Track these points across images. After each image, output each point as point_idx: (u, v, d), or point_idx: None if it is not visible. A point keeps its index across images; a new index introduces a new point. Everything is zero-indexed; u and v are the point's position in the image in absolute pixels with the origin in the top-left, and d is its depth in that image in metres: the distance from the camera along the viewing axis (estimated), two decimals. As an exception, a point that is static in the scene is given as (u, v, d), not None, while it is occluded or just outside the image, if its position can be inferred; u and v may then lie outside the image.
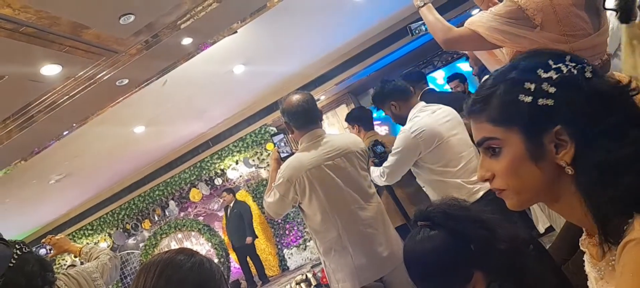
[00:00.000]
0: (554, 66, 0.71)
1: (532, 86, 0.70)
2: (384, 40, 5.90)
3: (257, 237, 6.41)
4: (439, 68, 7.39)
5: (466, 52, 3.61)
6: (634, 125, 0.67)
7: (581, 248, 0.75)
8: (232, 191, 6.54)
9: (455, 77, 4.61)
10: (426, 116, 2.30)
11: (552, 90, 0.69)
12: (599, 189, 0.68)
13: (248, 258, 6.42)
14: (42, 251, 2.08)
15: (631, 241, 0.61)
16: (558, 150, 0.70)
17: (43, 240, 2.13)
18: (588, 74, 0.70)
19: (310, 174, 2.00)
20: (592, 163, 0.68)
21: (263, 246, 6.91)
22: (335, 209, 2.00)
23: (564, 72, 0.70)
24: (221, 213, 6.95)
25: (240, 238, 6.21)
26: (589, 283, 0.75)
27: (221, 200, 6.55)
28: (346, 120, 3.38)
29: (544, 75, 0.70)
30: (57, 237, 2.11)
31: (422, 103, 2.40)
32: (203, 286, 1.00)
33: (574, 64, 0.71)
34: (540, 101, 0.69)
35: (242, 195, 7.00)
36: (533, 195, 0.76)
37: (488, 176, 0.77)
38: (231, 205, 6.40)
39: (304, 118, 2.06)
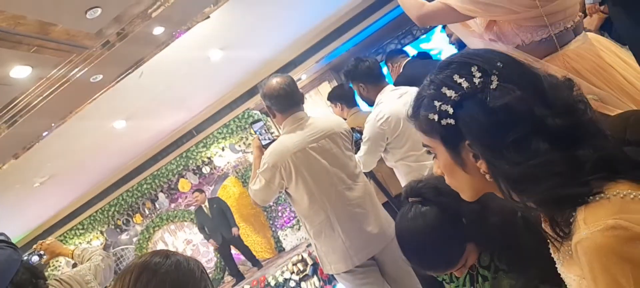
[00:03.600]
0: (458, 81, 0.71)
1: (438, 105, 0.73)
2: (360, 13, 5.84)
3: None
4: (418, 38, 7.36)
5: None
6: (540, 135, 0.66)
7: (544, 233, 0.76)
8: (202, 191, 6.47)
9: (417, 57, 4.74)
10: (392, 101, 2.34)
11: (450, 110, 0.71)
12: (519, 196, 0.70)
13: (232, 249, 6.42)
14: (35, 258, 2.05)
15: (581, 242, 0.62)
16: (477, 160, 0.72)
17: (34, 246, 2.10)
18: (494, 84, 0.70)
19: (295, 158, 1.98)
20: (502, 176, 0.70)
21: (256, 230, 6.95)
22: (322, 191, 2.00)
23: (465, 88, 0.71)
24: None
25: (227, 231, 6.18)
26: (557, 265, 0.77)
27: (194, 201, 6.46)
28: (328, 99, 3.37)
29: (447, 94, 0.72)
30: (48, 242, 2.08)
31: (390, 86, 2.44)
32: (182, 286, 0.97)
33: (479, 75, 0.71)
34: (443, 121, 0.72)
35: (232, 181, 6.98)
36: (476, 192, 0.80)
37: (439, 173, 0.82)
38: (206, 204, 6.32)
39: (286, 101, 2.04)
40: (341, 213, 2.00)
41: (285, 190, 2.07)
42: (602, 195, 0.63)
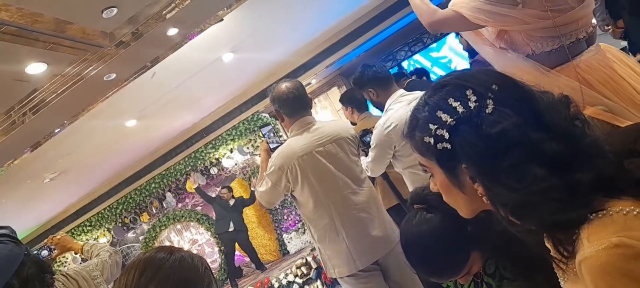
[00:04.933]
0: (453, 105, 0.71)
1: (433, 129, 0.72)
2: (372, 19, 5.85)
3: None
4: (428, 45, 7.36)
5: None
6: (536, 160, 0.65)
7: (546, 244, 0.75)
8: (231, 189, 6.60)
9: (414, 73, 4.79)
10: (401, 108, 2.29)
11: (446, 135, 0.71)
12: (518, 221, 0.69)
13: (237, 246, 6.47)
14: (45, 252, 2.08)
15: (584, 260, 0.61)
16: (474, 182, 0.72)
17: (45, 241, 2.12)
18: (489, 109, 0.69)
19: (301, 161, 2.00)
20: (499, 201, 0.69)
21: (261, 232, 6.96)
22: (327, 195, 2.01)
23: (460, 113, 0.70)
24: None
25: (239, 222, 6.29)
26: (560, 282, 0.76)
27: (220, 196, 6.57)
28: (340, 101, 3.39)
29: (443, 118, 0.71)
30: (58, 236, 2.10)
31: (401, 91, 2.39)
32: (186, 282, 0.98)
33: (475, 99, 0.70)
34: (439, 145, 0.72)
35: (239, 183, 7.02)
36: (473, 211, 0.79)
37: (436, 190, 0.82)
38: (231, 200, 6.47)
39: (294, 105, 2.07)
40: (346, 217, 2.01)
41: (290, 193, 2.09)
42: (605, 212, 0.62)
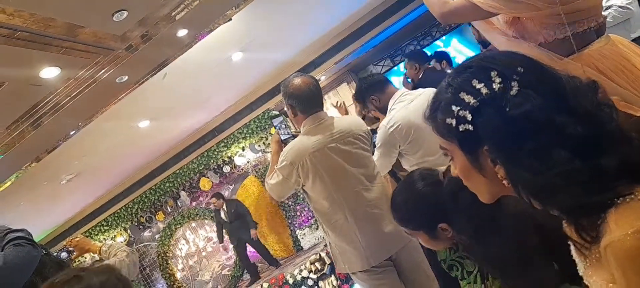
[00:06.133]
0: (476, 86, 0.70)
1: (456, 110, 0.71)
2: (380, 15, 5.82)
3: (257, 225, 6.47)
4: (437, 38, 7.29)
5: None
6: (561, 143, 0.64)
7: (566, 232, 0.74)
8: (221, 196, 6.52)
9: (434, 57, 4.63)
10: (403, 108, 2.33)
11: (469, 116, 0.70)
12: (540, 204, 0.68)
13: (249, 247, 6.48)
14: (64, 254, 2.13)
15: (611, 245, 0.61)
16: (495, 165, 0.71)
17: (64, 243, 2.18)
18: (514, 91, 0.68)
19: (313, 157, 2.00)
20: (521, 184, 0.68)
21: (274, 229, 7.00)
22: (340, 191, 2.00)
23: (484, 94, 0.69)
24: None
25: (244, 233, 6.26)
26: (578, 267, 0.75)
27: (212, 205, 6.53)
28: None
29: (466, 99, 0.70)
30: (77, 239, 2.16)
31: (402, 90, 2.44)
32: None
33: (499, 80, 0.69)
34: (461, 127, 0.71)
35: (251, 181, 7.06)
36: (493, 195, 0.78)
37: (456, 174, 0.81)
38: (224, 208, 6.38)
39: (310, 101, 2.05)
40: (358, 213, 2.01)
41: (302, 188, 2.09)
42: (633, 196, 0.61)
